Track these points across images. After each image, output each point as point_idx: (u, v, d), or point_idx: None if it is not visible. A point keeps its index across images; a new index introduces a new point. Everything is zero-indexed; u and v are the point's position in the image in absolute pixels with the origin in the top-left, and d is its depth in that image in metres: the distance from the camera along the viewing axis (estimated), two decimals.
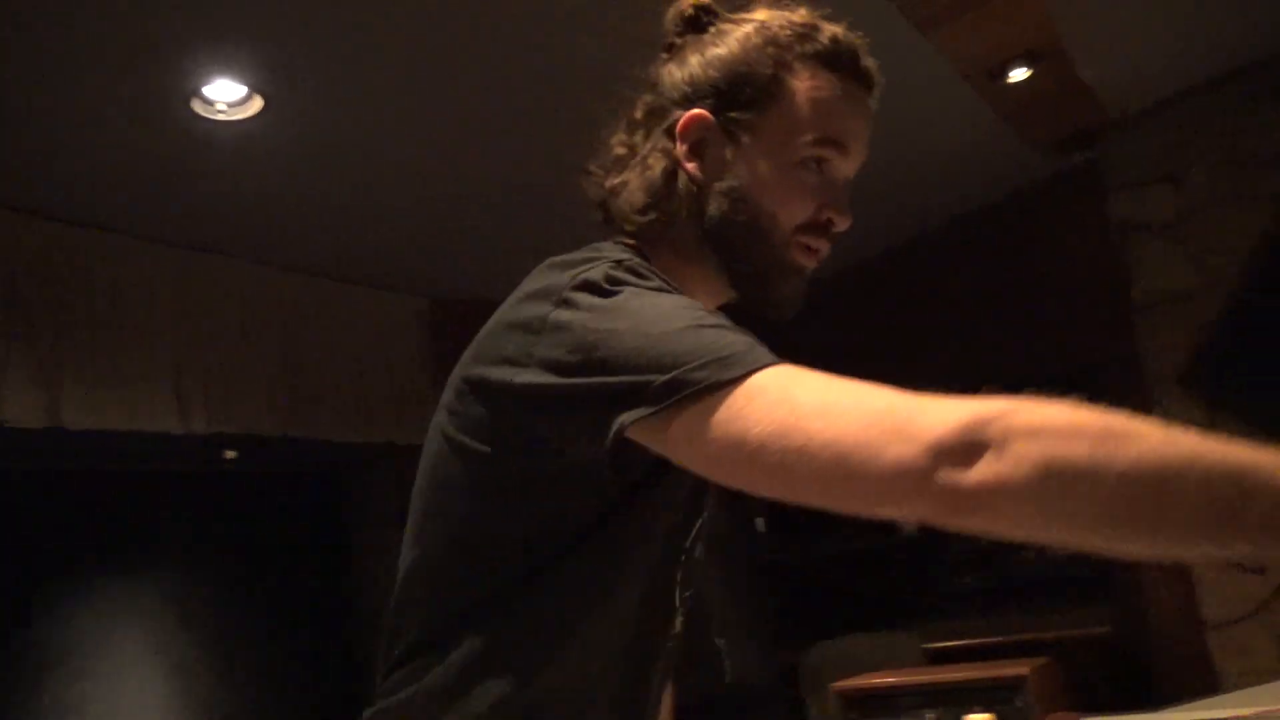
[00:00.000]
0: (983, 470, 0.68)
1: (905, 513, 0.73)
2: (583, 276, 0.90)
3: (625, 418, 0.81)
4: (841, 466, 0.72)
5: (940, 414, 0.71)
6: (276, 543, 4.84)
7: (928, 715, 2.70)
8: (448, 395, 0.99)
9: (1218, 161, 3.62)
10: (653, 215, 1.02)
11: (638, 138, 1.06)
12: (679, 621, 1.08)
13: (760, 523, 5.03)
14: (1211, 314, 3.55)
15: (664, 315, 0.86)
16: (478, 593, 0.96)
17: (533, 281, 0.95)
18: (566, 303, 0.88)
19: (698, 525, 1.07)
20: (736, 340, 0.82)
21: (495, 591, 0.95)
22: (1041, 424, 0.68)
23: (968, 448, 0.68)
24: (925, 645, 3.74)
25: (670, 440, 0.81)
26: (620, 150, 1.07)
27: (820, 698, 2.97)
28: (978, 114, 3.51)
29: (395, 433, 4.21)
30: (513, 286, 0.98)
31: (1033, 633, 3.59)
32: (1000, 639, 3.54)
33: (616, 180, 1.06)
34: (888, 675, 2.85)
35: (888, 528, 4.51)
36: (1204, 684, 3.19)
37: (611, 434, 0.82)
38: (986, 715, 2.65)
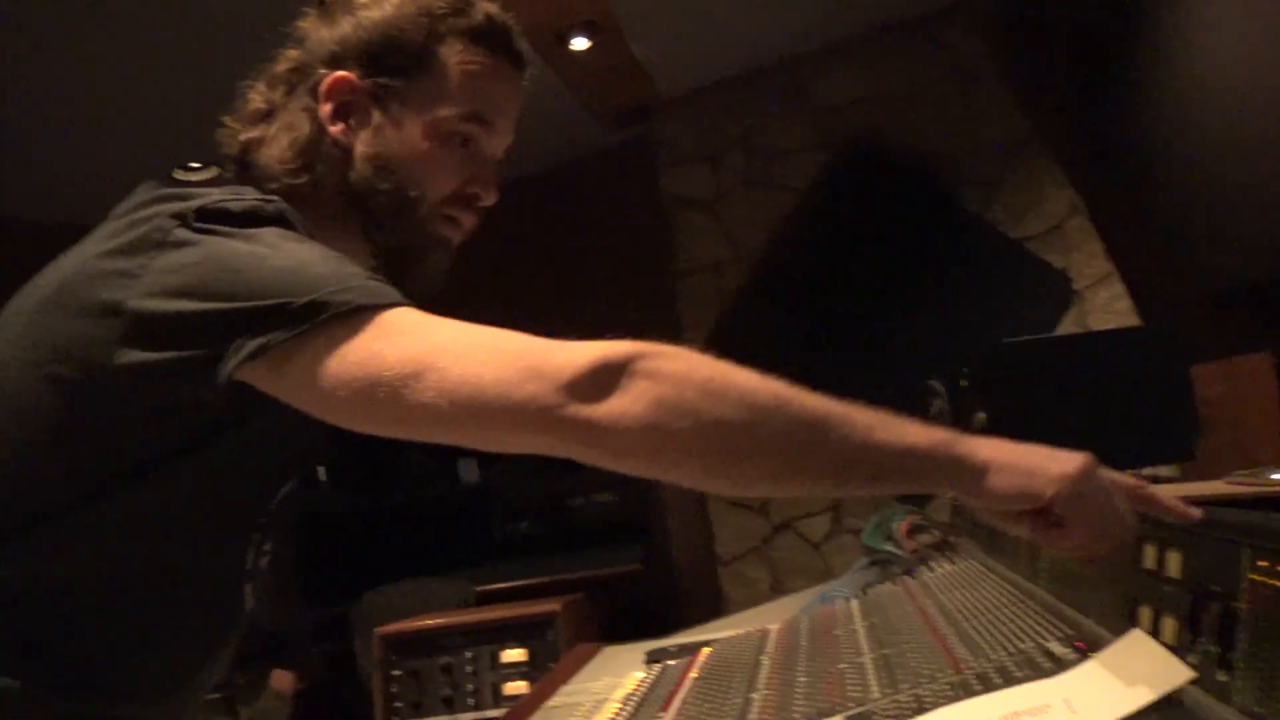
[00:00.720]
0: (606, 408, 0.74)
1: (536, 445, 0.77)
2: (222, 203, 0.85)
3: (256, 342, 0.77)
4: (478, 403, 0.75)
5: (571, 354, 0.76)
6: None
7: (467, 654, 2.81)
8: (21, 304, 0.89)
9: (747, 149, 4.06)
10: (304, 176, 0.98)
11: (279, 93, 1.02)
12: (251, 590, 1.04)
13: (321, 471, 4.92)
14: (737, 284, 3.98)
15: (305, 250, 0.84)
16: (21, 520, 0.86)
17: (153, 200, 0.87)
18: (198, 223, 0.83)
19: (286, 489, 1.04)
20: (376, 282, 0.82)
21: (44, 523, 0.86)
22: (660, 368, 0.76)
23: (595, 386, 0.75)
24: (477, 589, 3.87)
25: (293, 374, 0.78)
26: (259, 103, 1.02)
27: (367, 643, 2.97)
28: (544, 78, 3.64)
29: None
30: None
31: (574, 572, 3.83)
32: (545, 580, 3.74)
33: (255, 134, 1.01)
34: (430, 618, 2.92)
35: (448, 477, 4.61)
36: (715, 611, 3.61)
37: (235, 361, 0.77)
38: (520, 650, 2.81)
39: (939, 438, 0.78)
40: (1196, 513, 0.80)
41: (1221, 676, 0.78)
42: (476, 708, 2.77)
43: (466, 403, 0.75)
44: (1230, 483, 1.17)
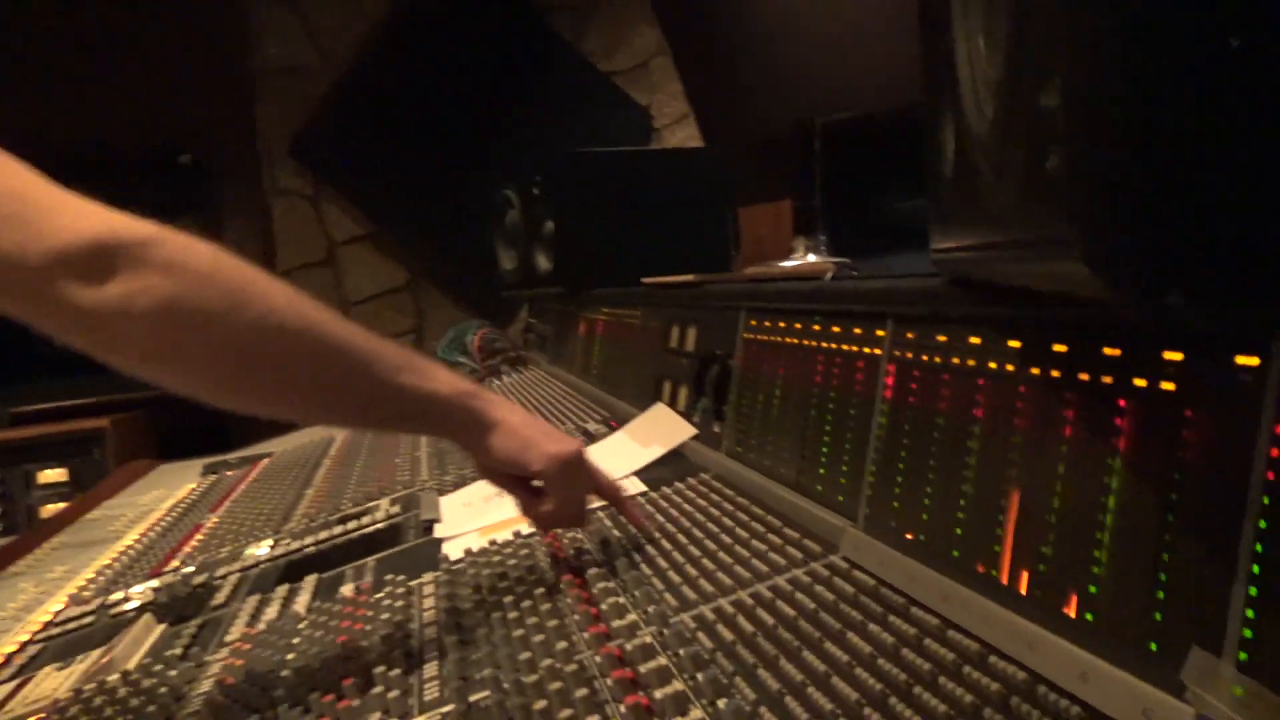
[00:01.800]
0: (105, 293, 0.62)
1: (7, 311, 0.63)
2: None
3: None
4: None
5: (79, 218, 0.63)
6: None
7: None
8: None
9: None
10: None
11: None
12: None
13: None
14: (323, 90, 3.75)
15: None
16: None
17: None
18: None
19: None
20: None
21: None
22: (182, 261, 0.65)
23: (96, 265, 0.62)
24: (12, 411, 3.48)
25: None
26: None
27: None
28: None
29: None
30: None
31: (130, 392, 3.55)
32: (94, 400, 3.42)
33: None
34: None
35: None
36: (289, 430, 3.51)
37: None
38: (60, 470, 2.58)
39: (461, 388, 0.80)
40: (651, 531, 0.88)
41: (716, 428, 0.89)
42: (6, 533, 2.54)
43: None
44: (746, 273, 1.31)
